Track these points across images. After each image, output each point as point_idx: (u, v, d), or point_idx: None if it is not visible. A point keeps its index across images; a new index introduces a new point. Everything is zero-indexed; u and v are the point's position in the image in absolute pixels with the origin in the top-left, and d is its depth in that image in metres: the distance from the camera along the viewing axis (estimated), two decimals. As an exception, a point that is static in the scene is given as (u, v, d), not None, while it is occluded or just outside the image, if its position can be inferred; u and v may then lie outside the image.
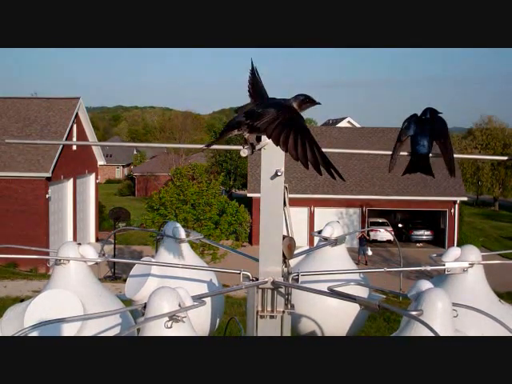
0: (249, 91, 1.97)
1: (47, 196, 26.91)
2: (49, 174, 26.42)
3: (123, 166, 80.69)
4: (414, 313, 1.87)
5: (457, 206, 34.50)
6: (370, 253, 29.41)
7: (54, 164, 26.68)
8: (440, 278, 2.57)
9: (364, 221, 34.65)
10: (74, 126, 30.24)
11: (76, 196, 31.21)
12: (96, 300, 2.24)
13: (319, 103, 1.87)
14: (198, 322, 2.44)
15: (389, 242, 34.16)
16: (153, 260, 2.72)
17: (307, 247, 3.08)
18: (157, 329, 1.74)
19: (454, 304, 1.98)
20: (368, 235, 32.03)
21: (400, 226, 37.33)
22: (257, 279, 2.14)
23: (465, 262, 2.47)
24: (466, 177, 52.14)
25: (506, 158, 2.66)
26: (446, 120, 2.36)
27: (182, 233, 2.79)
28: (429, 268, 2.57)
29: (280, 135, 1.55)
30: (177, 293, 1.82)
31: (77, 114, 30.49)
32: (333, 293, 2.14)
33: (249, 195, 34.09)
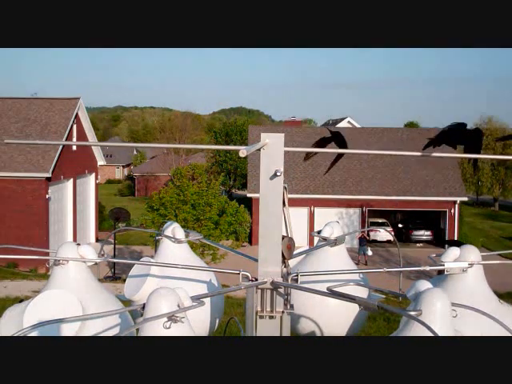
0: None
1: (47, 196, 26.90)
2: (49, 174, 26.42)
3: (123, 166, 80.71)
4: (413, 313, 1.87)
5: (457, 206, 34.48)
6: (370, 253, 29.41)
7: (53, 164, 26.68)
8: (439, 278, 2.57)
9: (364, 221, 34.64)
10: (74, 126, 30.24)
11: (76, 196, 31.20)
12: (95, 300, 2.23)
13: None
14: (198, 322, 2.44)
15: (389, 242, 34.15)
16: (152, 260, 2.72)
17: (307, 247, 3.08)
18: (156, 329, 1.74)
19: (454, 304, 1.98)
20: (368, 235, 32.01)
21: (400, 226, 37.32)
22: (256, 279, 2.14)
23: (464, 262, 2.47)
24: (466, 177, 52.11)
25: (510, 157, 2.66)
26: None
27: (182, 233, 2.79)
28: (428, 268, 2.56)
29: None
30: (176, 293, 1.82)
31: (77, 114, 30.49)
32: (332, 293, 2.14)
33: (249, 195, 34.09)
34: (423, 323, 1.74)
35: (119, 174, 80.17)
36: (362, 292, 2.69)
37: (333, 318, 2.74)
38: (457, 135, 2.38)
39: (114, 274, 24.24)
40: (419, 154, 2.32)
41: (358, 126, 49.19)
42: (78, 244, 2.35)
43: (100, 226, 35.47)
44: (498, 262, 2.97)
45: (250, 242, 34.09)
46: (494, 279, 3.21)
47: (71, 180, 30.48)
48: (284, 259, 2.19)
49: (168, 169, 52.32)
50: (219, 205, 25.12)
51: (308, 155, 2.68)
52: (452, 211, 34.49)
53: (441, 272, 2.53)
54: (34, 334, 2.00)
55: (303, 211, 33.89)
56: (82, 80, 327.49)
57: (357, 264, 3.37)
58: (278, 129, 42.99)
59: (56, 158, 26.99)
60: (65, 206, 30.12)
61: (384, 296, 2.97)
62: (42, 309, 2.12)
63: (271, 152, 2.07)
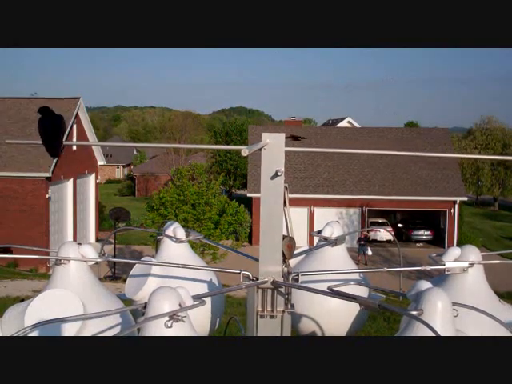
0: None
1: (47, 196, 26.91)
2: (49, 174, 26.42)
3: (123, 166, 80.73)
4: (414, 312, 1.87)
5: (457, 205, 34.48)
6: (370, 253, 29.40)
7: (54, 164, 26.68)
8: (440, 278, 2.57)
9: (364, 221, 34.64)
10: (74, 126, 30.23)
11: (76, 196, 31.21)
12: (96, 300, 2.23)
13: None
14: (199, 322, 2.44)
15: (389, 241, 34.15)
16: (153, 260, 2.72)
17: (307, 247, 3.08)
18: (157, 328, 1.74)
19: (455, 304, 1.98)
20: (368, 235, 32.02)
21: (400, 225, 37.31)
22: (257, 279, 2.14)
23: (465, 262, 2.47)
24: (466, 177, 52.10)
25: (510, 157, 2.66)
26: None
27: (182, 233, 2.79)
28: (429, 268, 2.57)
29: None
30: (177, 292, 1.82)
31: (77, 113, 30.48)
32: (333, 292, 2.14)
33: (249, 195, 34.09)
34: (424, 323, 1.74)
35: (119, 173, 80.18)
36: (362, 291, 2.69)
37: (333, 318, 2.74)
38: None
39: (114, 274, 24.24)
40: (419, 154, 2.33)
41: (357, 125, 49.18)
42: (79, 244, 2.35)
43: (100, 226, 35.47)
44: (498, 261, 2.97)
45: (250, 242, 34.09)
46: (494, 279, 3.20)
47: (71, 180, 30.48)
48: (285, 259, 2.20)
49: (168, 169, 52.34)
50: (219, 205, 25.11)
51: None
52: (452, 211, 34.49)
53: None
54: (34, 333, 2.00)
55: (303, 211, 33.88)
56: (82, 80, 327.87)
57: (357, 264, 3.37)
58: (278, 129, 42.98)
59: (56, 158, 26.97)
60: (65, 206, 30.12)
61: (384, 296, 2.97)
62: (43, 308, 2.12)
63: (272, 152, 2.08)
